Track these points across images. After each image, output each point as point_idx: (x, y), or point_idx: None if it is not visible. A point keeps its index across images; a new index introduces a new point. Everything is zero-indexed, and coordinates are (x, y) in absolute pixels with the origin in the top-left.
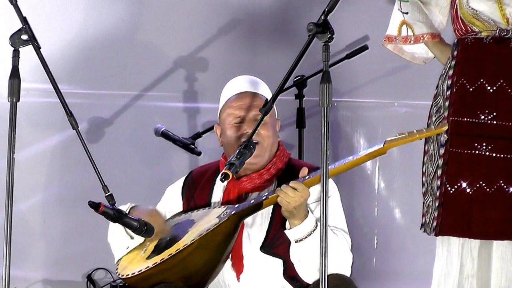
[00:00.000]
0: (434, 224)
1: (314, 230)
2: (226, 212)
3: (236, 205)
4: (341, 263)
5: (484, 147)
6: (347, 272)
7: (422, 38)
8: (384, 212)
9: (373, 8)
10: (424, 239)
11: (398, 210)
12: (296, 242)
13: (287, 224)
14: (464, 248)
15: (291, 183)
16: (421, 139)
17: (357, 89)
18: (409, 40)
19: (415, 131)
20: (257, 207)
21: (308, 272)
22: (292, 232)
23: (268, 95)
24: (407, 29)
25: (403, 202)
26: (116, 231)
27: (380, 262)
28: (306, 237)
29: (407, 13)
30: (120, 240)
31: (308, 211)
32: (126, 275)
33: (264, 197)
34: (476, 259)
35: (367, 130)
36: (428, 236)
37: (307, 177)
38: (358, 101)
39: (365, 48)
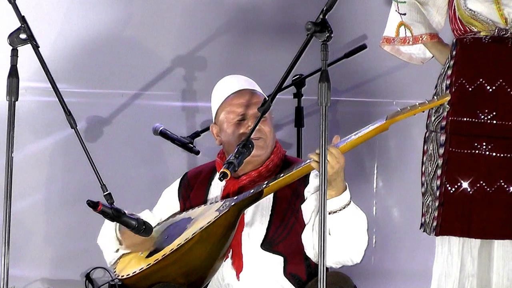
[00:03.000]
0: (434, 224)
1: (349, 204)
2: (225, 204)
3: (235, 197)
4: (359, 242)
5: (484, 147)
6: (360, 255)
7: (420, 38)
8: (382, 210)
9: (371, 7)
10: (422, 238)
11: (396, 209)
12: (329, 213)
13: None
14: (464, 248)
15: (328, 147)
16: (423, 112)
17: (356, 88)
18: (407, 41)
19: (417, 103)
20: (257, 196)
21: (333, 249)
22: (328, 204)
23: (261, 93)
24: (405, 30)
25: (401, 201)
26: (106, 234)
27: (378, 261)
28: (341, 210)
29: (404, 14)
30: (109, 245)
31: (346, 186)
32: (127, 275)
33: (264, 185)
34: (476, 259)
35: None
36: (426, 234)
37: (341, 143)
38: (357, 100)
39: (363, 47)
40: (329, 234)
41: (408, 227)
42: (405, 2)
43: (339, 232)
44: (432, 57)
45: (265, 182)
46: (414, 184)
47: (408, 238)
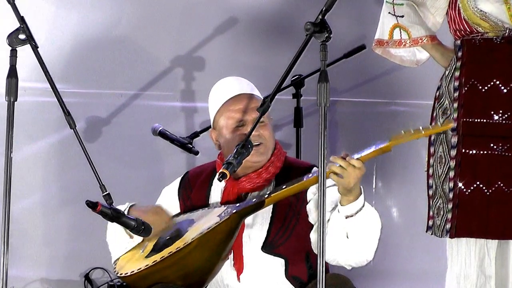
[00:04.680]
0: (448, 226)
1: (363, 206)
2: (227, 211)
3: (237, 204)
4: (373, 241)
5: (500, 147)
6: (373, 253)
7: (420, 40)
8: (382, 211)
9: (371, 7)
10: (421, 238)
11: (396, 209)
12: (346, 217)
13: (340, 200)
14: (481, 249)
15: (350, 160)
16: (426, 137)
17: (355, 88)
18: (403, 43)
19: (420, 127)
20: (259, 205)
21: (351, 252)
22: (346, 209)
23: (260, 96)
24: (400, 32)
25: (400, 202)
26: (116, 230)
27: (377, 261)
28: (357, 213)
29: (402, 16)
30: (119, 240)
31: (361, 189)
32: (125, 274)
33: (267, 196)
34: (494, 260)
35: (365, 129)
36: (426, 235)
37: (362, 153)
38: (356, 100)
39: (362, 47)
40: (347, 237)
41: (407, 228)
42: (402, 4)
43: (356, 235)
44: (427, 59)
45: (267, 193)
46: (413, 185)
47: (407, 239)
